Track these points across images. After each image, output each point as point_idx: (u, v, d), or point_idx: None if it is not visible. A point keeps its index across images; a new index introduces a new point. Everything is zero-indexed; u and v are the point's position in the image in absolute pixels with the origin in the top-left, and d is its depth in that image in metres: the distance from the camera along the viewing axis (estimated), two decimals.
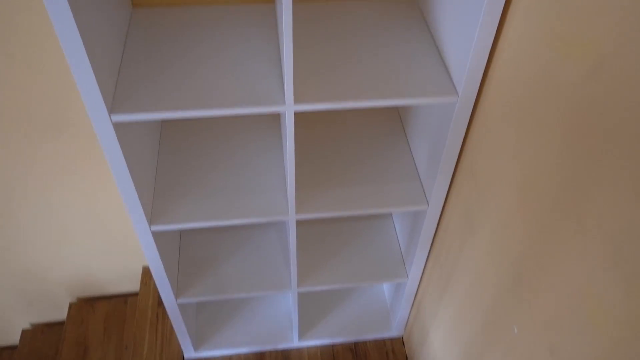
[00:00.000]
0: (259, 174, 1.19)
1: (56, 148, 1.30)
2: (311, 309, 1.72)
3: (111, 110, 0.86)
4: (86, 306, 1.78)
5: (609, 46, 0.60)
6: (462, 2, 0.87)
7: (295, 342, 1.66)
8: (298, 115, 1.35)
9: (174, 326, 1.45)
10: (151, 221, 1.09)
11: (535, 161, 0.78)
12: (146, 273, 1.75)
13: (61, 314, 1.85)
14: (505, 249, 0.91)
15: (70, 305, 1.78)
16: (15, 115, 1.21)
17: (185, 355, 1.62)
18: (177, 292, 1.35)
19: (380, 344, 1.69)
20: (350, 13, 1.10)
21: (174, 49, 0.99)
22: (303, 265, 1.42)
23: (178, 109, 0.87)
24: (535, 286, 0.81)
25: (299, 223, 1.52)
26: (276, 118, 1.33)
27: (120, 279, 1.77)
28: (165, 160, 1.22)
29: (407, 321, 1.64)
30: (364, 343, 1.70)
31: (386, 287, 1.74)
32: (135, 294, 1.81)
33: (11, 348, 1.94)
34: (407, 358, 1.66)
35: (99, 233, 1.57)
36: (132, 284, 1.81)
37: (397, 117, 1.34)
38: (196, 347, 1.62)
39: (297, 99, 0.90)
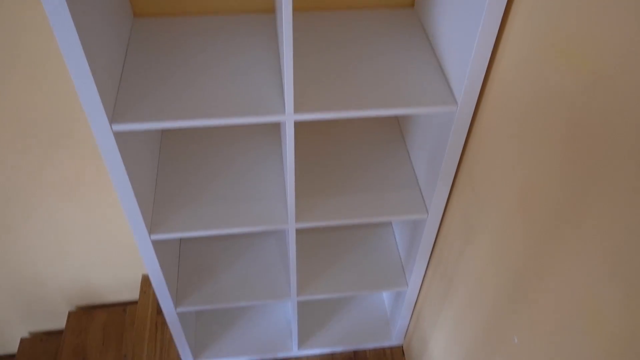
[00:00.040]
0: (258, 182, 1.19)
1: (57, 158, 1.30)
2: (311, 318, 1.71)
3: (112, 120, 0.86)
4: (85, 315, 1.78)
5: (608, 57, 0.60)
6: (462, 12, 0.88)
7: (294, 351, 1.65)
8: (298, 124, 1.35)
9: (173, 335, 1.45)
10: (151, 230, 1.09)
11: (535, 171, 0.78)
12: (145, 282, 1.74)
13: (60, 323, 1.84)
14: (504, 258, 0.91)
15: (69, 314, 1.77)
16: (17, 127, 1.22)
17: None
18: (177, 301, 1.35)
19: (380, 352, 1.69)
20: (350, 22, 1.11)
21: (174, 58, 0.99)
22: (303, 274, 1.41)
23: (179, 118, 0.87)
24: (535, 296, 0.81)
25: (298, 231, 1.52)
26: (276, 127, 1.33)
27: (120, 287, 1.77)
28: (166, 169, 1.22)
29: (407, 330, 1.63)
30: (364, 352, 1.69)
31: (386, 296, 1.74)
32: (134, 303, 1.80)
33: (10, 357, 1.93)
34: None
35: (98, 241, 1.57)
36: (131, 293, 1.80)
37: (396, 126, 1.35)
38: (195, 356, 1.61)
39: (297, 109, 0.90)
